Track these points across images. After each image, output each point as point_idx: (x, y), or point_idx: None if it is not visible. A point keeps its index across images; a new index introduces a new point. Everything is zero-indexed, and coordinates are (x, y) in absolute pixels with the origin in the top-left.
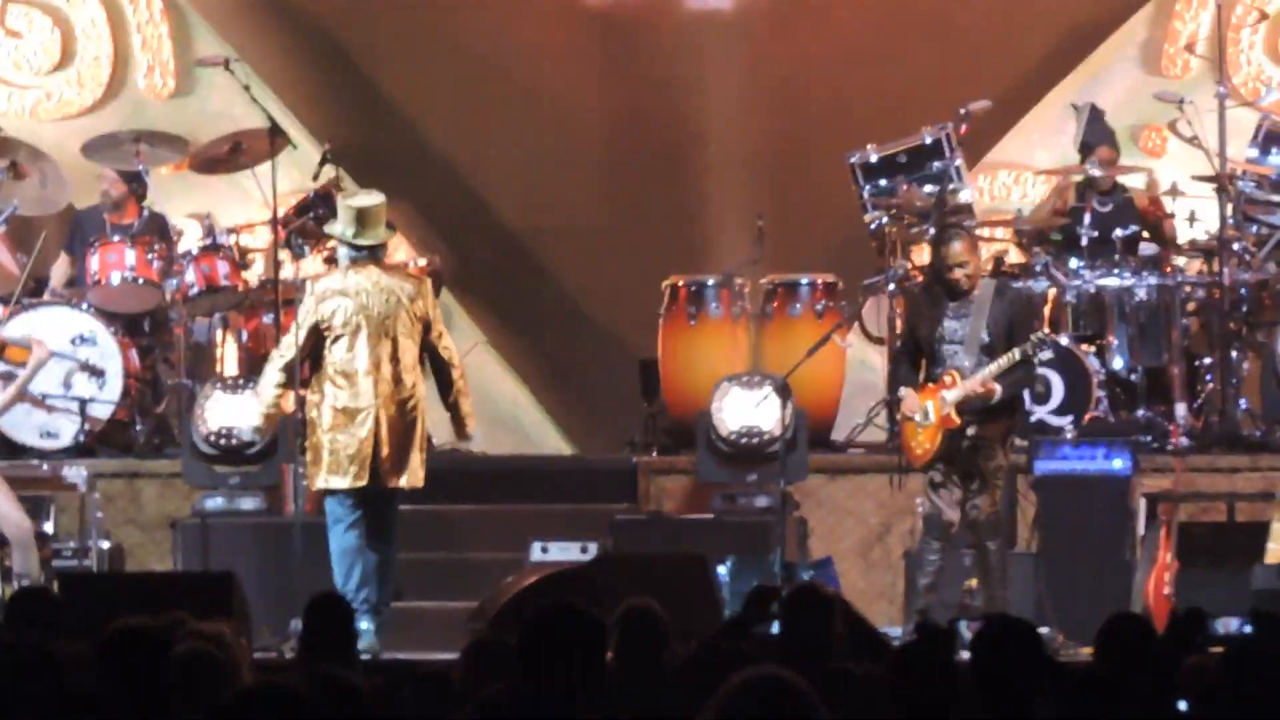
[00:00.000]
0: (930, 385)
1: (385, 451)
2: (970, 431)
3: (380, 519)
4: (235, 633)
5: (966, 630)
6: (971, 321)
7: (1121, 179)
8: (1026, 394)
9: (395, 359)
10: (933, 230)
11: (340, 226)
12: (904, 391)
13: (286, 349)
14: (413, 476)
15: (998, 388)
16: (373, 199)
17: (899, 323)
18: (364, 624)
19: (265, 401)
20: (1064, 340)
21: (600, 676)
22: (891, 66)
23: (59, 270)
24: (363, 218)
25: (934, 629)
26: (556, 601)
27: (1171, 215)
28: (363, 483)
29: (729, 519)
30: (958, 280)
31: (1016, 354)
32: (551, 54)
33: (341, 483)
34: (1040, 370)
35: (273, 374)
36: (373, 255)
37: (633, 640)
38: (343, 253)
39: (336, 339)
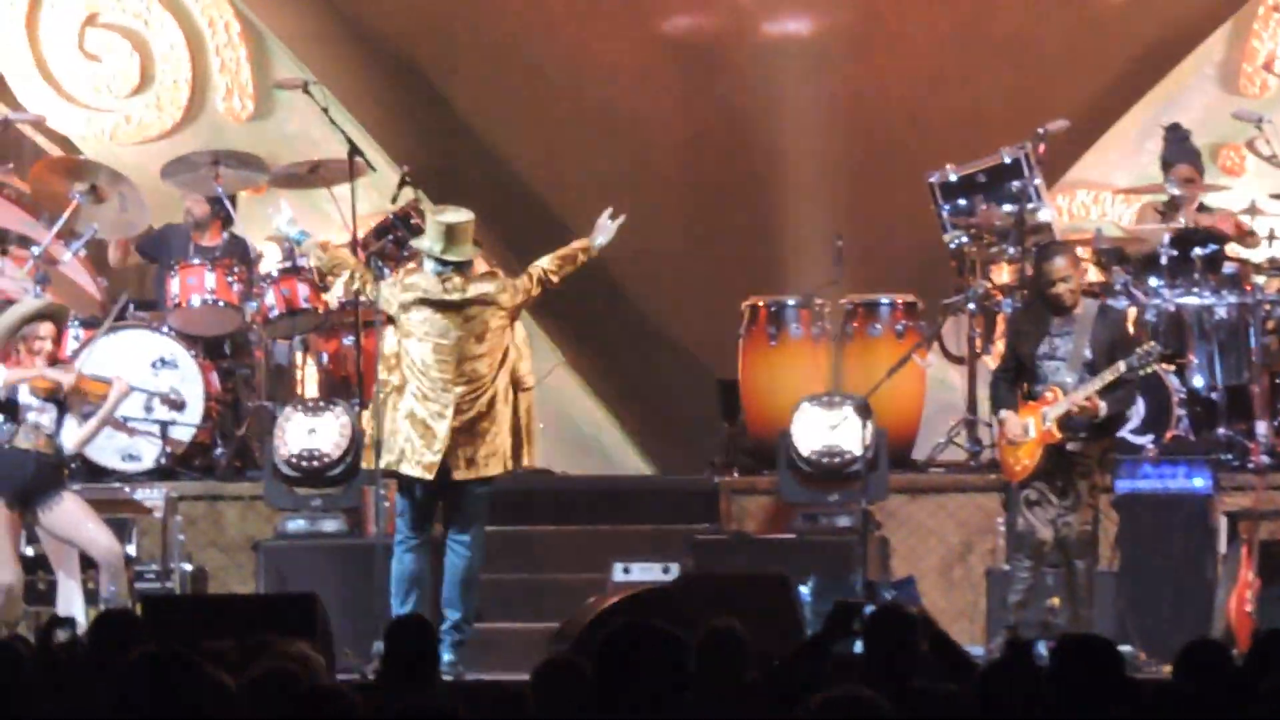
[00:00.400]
0: (1031, 402)
1: (460, 448)
2: (1069, 448)
3: (460, 520)
4: (318, 653)
5: (1045, 649)
6: (1074, 339)
7: (1203, 198)
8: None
9: (479, 359)
10: (1011, 249)
11: (429, 242)
12: (1004, 414)
13: (364, 274)
14: (493, 466)
15: (1103, 404)
16: (461, 215)
17: (979, 342)
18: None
19: (314, 248)
20: (1152, 368)
21: (681, 696)
22: (969, 88)
23: (113, 253)
24: (451, 233)
25: (1024, 645)
26: (633, 621)
27: (1252, 233)
28: (430, 476)
29: (811, 539)
30: (1060, 295)
31: (1122, 367)
32: (628, 78)
33: (411, 470)
34: None
35: (343, 254)
36: (459, 271)
37: (715, 661)
38: (429, 266)
39: (418, 343)
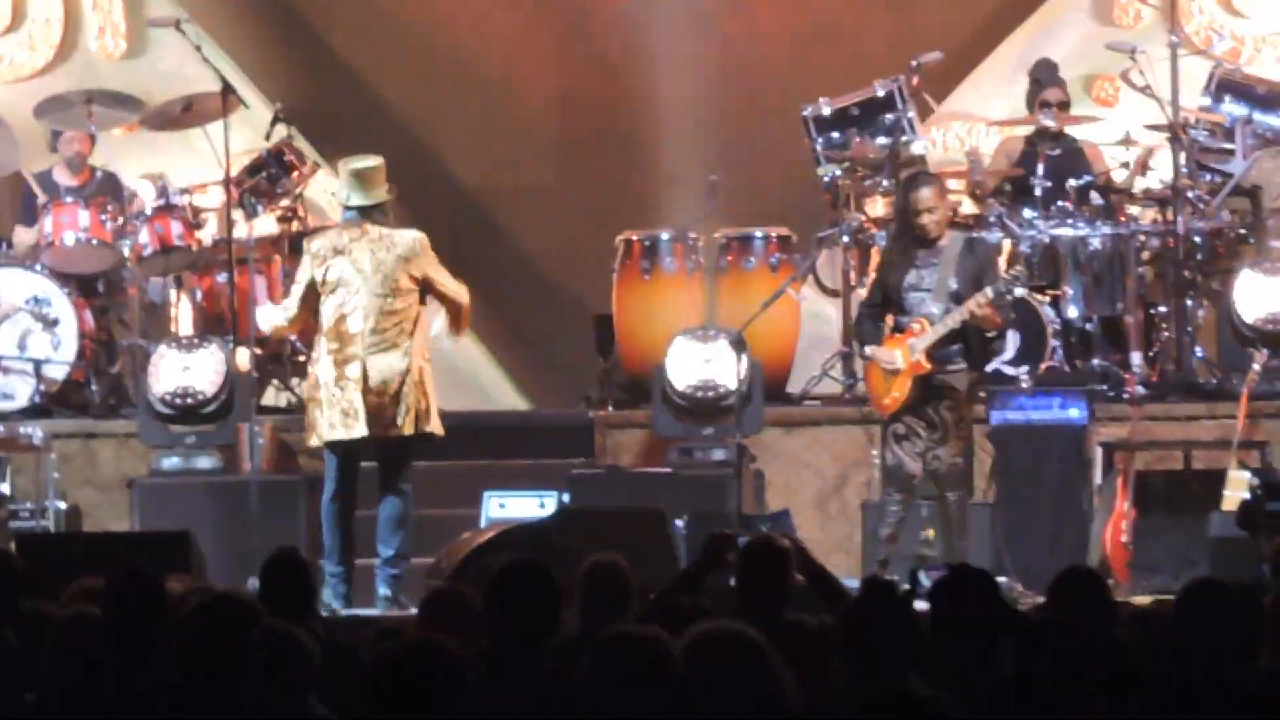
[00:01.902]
0: (897, 335)
1: (377, 403)
2: (936, 380)
3: (386, 471)
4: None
5: (927, 580)
6: (939, 270)
7: (1071, 129)
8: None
9: (389, 312)
10: (885, 181)
11: (341, 190)
12: (871, 350)
13: (287, 306)
14: (418, 423)
15: (998, 314)
16: (368, 161)
17: (854, 275)
18: (339, 588)
19: (270, 325)
20: (1019, 290)
21: (555, 631)
22: (846, 37)
23: (21, 240)
24: (359, 179)
25: (883, 584)
26: (517, 558)
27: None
28: (358, 434)
29: (685, 473)
30: (925, 225)
31: (990, 292)
32: (500, 31)
33: (336, 435)
34: None
35: (278, 313)
36: (368, 215)
37: (598, 596)
38: (344, 214)
39: (331, 296)
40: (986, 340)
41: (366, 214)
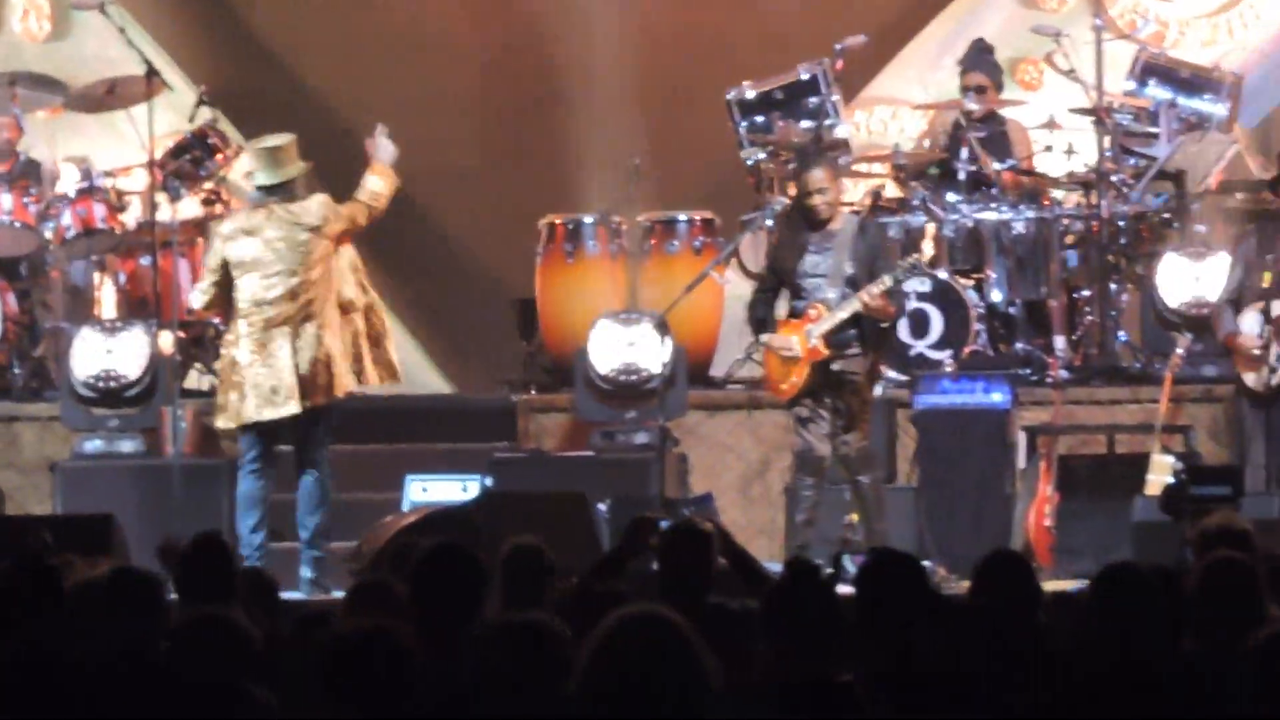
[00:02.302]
0: (794, 320)
1: (310, 371)
2: (835, 367)
3: (308, 443)
4: None
5: (851, 564)
6: (834, 255)
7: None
8: (902, 326)
9: (308, 284)
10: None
11: (255, 173)
12: (766, 338)
13: (202, 290)
14: (342, 384)
15: (892, 304)
16: (278, 139)
17: None
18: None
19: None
20: (942, 274)
21: (479, 615)
22: (771, 10)
23: None
24: (267, 158)
25: (805, 566)
26: (442, 541)
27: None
28: (289, 411)
29: (608, 456)
30: (816, 207)
31: (887, 280)
32: (428, 4)
33: (265, 415)
34: (919, 304)
35: (196, 296)
36: (277, 193)
37: (518, 578)
38: (250, 197)
39: (246, 276)
40: (880, 325)
41: (276, 192)
